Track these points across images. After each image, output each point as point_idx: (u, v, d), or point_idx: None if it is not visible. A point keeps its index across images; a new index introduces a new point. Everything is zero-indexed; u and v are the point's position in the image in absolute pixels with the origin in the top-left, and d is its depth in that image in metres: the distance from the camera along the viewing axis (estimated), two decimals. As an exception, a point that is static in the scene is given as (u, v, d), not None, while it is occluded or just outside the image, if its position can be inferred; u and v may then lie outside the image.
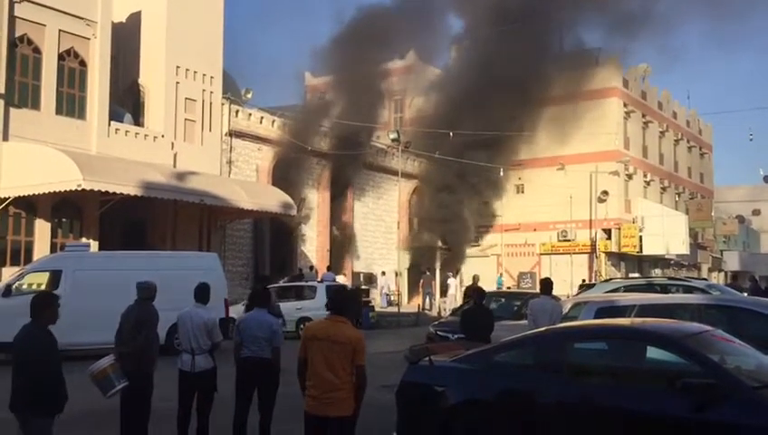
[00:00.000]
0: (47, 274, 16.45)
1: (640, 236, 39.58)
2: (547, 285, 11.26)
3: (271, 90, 72.83)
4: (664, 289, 15.11)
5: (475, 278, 24.87)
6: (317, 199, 32.53)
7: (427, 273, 33.12)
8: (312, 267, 29.88)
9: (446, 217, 35.81)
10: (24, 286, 16.46)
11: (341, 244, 33.84)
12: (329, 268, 30.05)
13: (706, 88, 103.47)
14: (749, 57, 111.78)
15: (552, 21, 36.44)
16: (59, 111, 23.14)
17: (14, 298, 15.80)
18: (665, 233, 40.57)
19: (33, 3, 22.33)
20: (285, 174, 30.10)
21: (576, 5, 37.23)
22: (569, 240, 40.11)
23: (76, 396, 9.81)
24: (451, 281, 32.15)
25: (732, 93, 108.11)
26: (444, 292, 32.69)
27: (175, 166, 25.58)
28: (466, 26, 39.04)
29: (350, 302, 5.93)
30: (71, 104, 23.55)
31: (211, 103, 27.75)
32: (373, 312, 25.99)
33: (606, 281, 20.50)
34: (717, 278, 48.93)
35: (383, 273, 33.38)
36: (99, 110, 23.90)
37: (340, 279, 29.78)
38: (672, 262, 44.75)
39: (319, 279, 25.48)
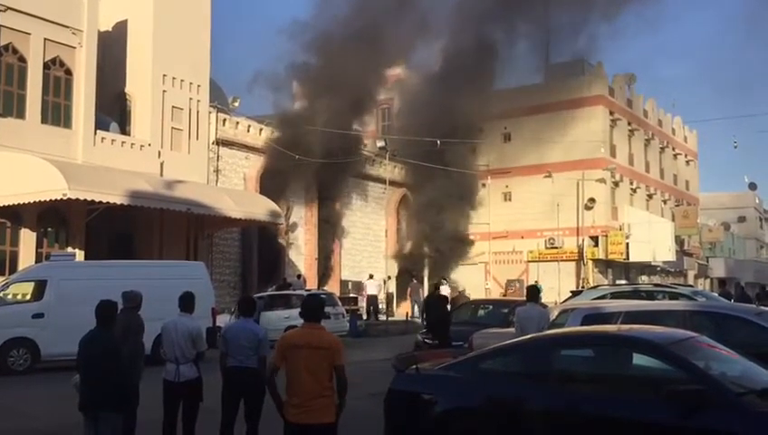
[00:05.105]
0: (32, 283, 16.34)
1: (627, 244, 39.78)
2: (534, 292, 11.28)
3: (258, 98, 72.87)
4: (650, 296, 15.17)
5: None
6: (305, 208, 32.45)
7: (414, 281, 33.04)
8: (299, 276, 29.75)
9: (433, 225, 35.82)
10: (9, 296, 16.34)
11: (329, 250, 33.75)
12: (371, 276, 30.46)
13: (691, 95, 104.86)
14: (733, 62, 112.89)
15: (540, 29, 36.63)
16: (44, 120, 23.01)
17: (-2, 308, 15.69)
18: (651, 240, 40.84)
19: (17, 11, 22.22)
20: (273, 182, 30.04)
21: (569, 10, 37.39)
22: (556, 248, 40.28)
23: (59, 407, 9.75)
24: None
25: (716, 101, 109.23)
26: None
27: (162, 175, 25.48)
28: (449, 36, 39.07)
29: (321, 309, 5.97)
30: (56, 113, 23.42)
31: (198, 112, 27.67)
32: (361, 320, 25.93)
33: (593, 288, 20.59)
34: (704, 285, 49.20)
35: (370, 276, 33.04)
36: (85, 119, 23.78)
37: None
38: (659, 269, 44.99)
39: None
